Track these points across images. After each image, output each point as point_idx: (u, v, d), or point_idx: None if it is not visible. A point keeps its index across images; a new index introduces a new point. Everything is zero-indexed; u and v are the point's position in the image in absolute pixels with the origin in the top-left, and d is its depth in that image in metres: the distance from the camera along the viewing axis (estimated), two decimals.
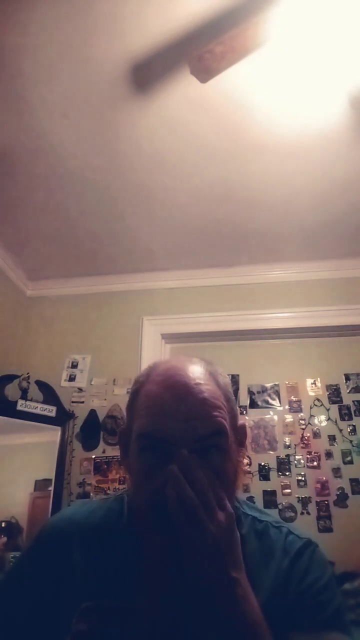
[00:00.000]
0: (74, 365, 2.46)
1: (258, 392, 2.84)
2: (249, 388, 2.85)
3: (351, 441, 2.59)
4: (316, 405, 2.72)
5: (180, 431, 0.57)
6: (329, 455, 2.58)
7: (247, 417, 2.77)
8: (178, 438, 0.57)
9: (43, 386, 2.34)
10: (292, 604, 0.59)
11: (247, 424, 2.76)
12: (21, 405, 2.18)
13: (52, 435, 2.25)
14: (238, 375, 2.88)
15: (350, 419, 2.66)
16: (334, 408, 2.70)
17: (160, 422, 0.59)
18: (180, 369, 0.64)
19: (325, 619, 0.58)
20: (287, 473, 2.57)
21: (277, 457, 2.62)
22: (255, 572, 0.61)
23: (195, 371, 0.63)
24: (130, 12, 1.33)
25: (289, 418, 2.73)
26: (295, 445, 2.64)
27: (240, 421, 0.67)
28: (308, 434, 2.65)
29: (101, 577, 0.61)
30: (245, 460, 2.63)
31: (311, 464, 2.57)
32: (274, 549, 0.65)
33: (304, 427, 2.68)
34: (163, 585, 0.54)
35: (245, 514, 0.70)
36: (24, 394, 2.25)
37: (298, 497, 2.49)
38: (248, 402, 2.82)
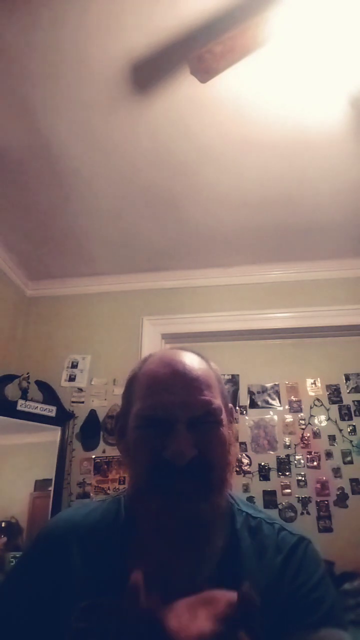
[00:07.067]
0: (74, 365, 2.46)
1: (258, 392, 2.84)
2: (249, 388, 2.85)
3: (351, 441, 2.59)
4: (316, 405, 2.72)
5: (178, 405, 0.61)
6: (329, 455, 2.58)
7: (247, 417, 2.77)
8: (176, 411, 0.61)
9: (43, 386, 2.34)
10: (286, 602, 0.59)
11: (247, 424, 2.76)
12: (21, 405, 2.18)
13: (52, 435, 2.25)
14: (238, 375, 2.88)
15: (350, 419, 2.66)
16: (334, 408, 2.70)
17: (160, 397, 0.62)
18: (175, 352, 0.70)
19: (320, 616, 0.57)
20: (287, 473, 2.57)
21: (277, 457, 2.62)
22: (248, 568, 0.61)
23: (189, 355, 0.69)
24: (130, 11, 1.33)
25: (289, 418, 2.73)
26: (295, 445, 2.64)
27: (229, 404, 0.72)
28: (308, 434, 2.65)
29: (100, 576, 0.61)
30: (245, 460, 2.63)
31: (311, 464, 2.57)
32: (267, 545, 0.65)
33: (304, 427, 2.68)
34: (162, 553, 0.55)
35: (239, 510, 0.70)
36: (24, 394, 2.25)
37: (298, 497, 2.49)
38: (248, 402, 2.82)
